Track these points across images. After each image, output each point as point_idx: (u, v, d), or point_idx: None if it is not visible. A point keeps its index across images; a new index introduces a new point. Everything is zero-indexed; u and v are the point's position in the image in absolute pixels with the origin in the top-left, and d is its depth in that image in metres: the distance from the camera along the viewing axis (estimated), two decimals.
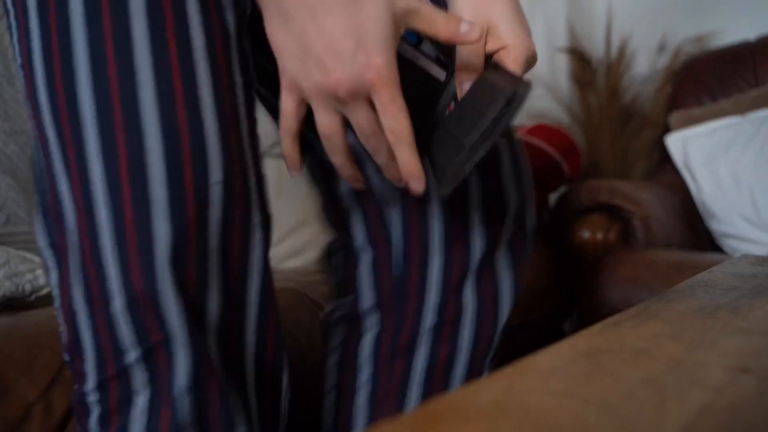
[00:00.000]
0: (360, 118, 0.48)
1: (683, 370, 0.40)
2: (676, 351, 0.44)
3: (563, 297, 1.64)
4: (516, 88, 0.47)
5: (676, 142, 1.74)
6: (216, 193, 0.54)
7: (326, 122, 0.49)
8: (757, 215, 1.53)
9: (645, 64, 2.14)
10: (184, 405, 0.55)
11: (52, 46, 0.51)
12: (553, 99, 2.23)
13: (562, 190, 1.76)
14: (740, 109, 1.69)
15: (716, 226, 1.63)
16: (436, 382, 0.68)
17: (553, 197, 1.81)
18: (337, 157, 0.52)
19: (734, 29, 1.98)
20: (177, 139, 0.52)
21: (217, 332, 0.56)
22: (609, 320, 0.51)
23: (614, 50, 2.11)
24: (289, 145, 0.53)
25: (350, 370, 0.70)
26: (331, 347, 0.73)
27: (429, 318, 0.67)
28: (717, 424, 0.33)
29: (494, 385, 0.38)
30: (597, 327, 0.49)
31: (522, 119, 2.32)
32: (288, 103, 0.50)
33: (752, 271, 0.71)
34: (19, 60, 0.55)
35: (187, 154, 0.52)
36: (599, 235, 1.55)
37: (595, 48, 2.19)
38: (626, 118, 2.11)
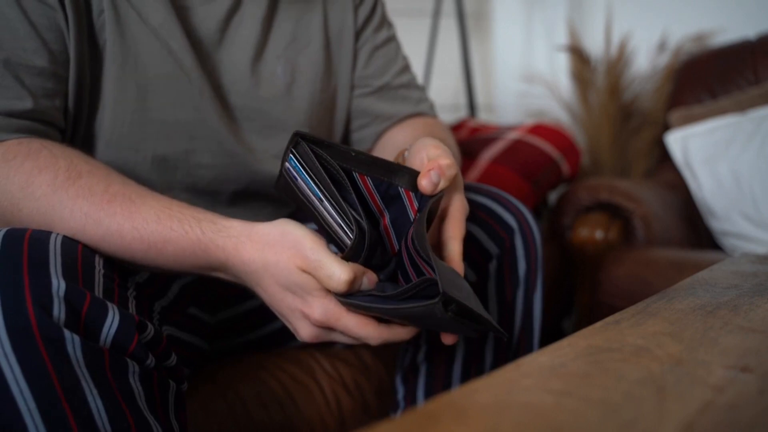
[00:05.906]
0: (339, 339, 0.61)
1: (683, 368, 0.40)
2: (676, 350, 0.44)
3: (563, 295, 1.64)
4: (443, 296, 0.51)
5: (676, 141, 1.73)
6: None
7: (345, 340, 0.61)
8: (758, 213, 1.53)
9: (645, 63, 2.14)
10: None
11: None
12: (553, 97, 2.23)
13: (561, 188, 1.76)
14: (740, 108, 1.69)
15: (716, 225, 1.63)
16: None
17: (552, 196, 1.81)
18: (378, 337, 0.60)
19: (734, 27, 1.97)
20: None
21: None
22: (609, 319, 0.51)
23: (614, 48, 2.11)
24: (391, 333, 0.59)
25: None
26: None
27: None
28: (717, 423, 0.33)
29: (494, 385, 0.38)
30: (597, 326, 0.49)
31: (521, 118, 2.32)
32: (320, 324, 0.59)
33: (752, 270, 0.71)
34: None
35: None
36: (599, 234, 1.55)
37: (595, 46, 2.18)
38: (626, 116, 2.11)
